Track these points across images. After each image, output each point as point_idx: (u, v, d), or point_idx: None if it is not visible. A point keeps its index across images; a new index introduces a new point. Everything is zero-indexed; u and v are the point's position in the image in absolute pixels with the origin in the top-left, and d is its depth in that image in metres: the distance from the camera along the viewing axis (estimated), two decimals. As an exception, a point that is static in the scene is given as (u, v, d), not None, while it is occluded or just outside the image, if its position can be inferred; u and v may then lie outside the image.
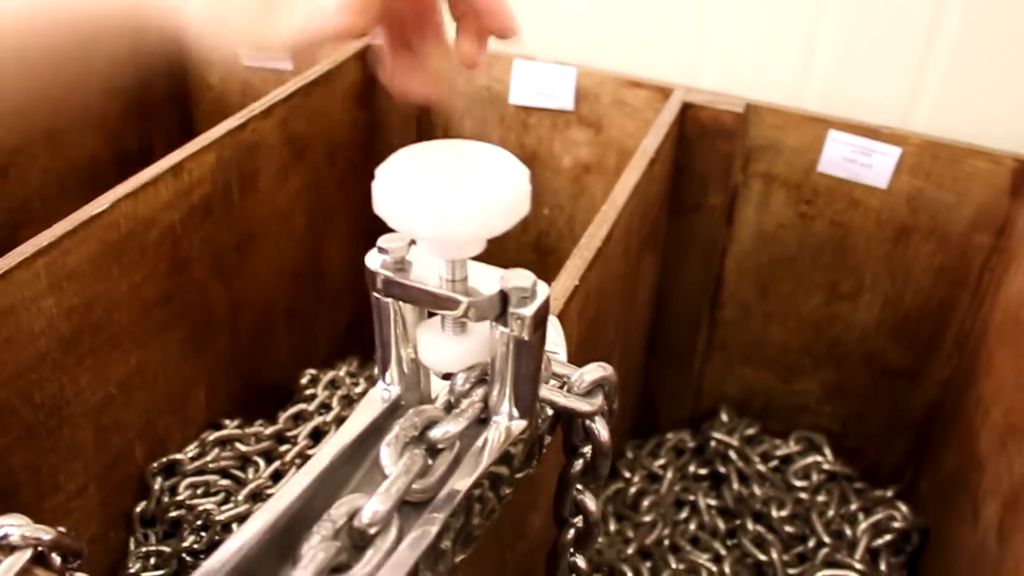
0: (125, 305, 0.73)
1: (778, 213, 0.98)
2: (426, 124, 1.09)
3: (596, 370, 0.48)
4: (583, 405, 0.48)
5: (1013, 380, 0.76)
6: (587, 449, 0.52)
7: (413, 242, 0.42)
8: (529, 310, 0.40)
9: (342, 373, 0.95)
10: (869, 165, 0.91)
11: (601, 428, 0.49)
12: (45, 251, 0.63)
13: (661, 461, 1.05)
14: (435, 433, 0.43)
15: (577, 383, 0.48)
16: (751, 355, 1.09)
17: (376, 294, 0.43)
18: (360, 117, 1.03)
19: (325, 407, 0.91)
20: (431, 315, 0.46)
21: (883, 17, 0.90)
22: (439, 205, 0.38)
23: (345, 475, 0.43)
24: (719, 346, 1.10)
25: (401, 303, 0.44)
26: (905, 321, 0.98)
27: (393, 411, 0.46)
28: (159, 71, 1.13)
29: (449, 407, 0.46)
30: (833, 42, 0.93)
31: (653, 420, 1.13)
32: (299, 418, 0.89)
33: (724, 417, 1.10)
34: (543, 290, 0.41)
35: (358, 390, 0.93)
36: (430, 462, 0.43)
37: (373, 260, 0.43)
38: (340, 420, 0.89)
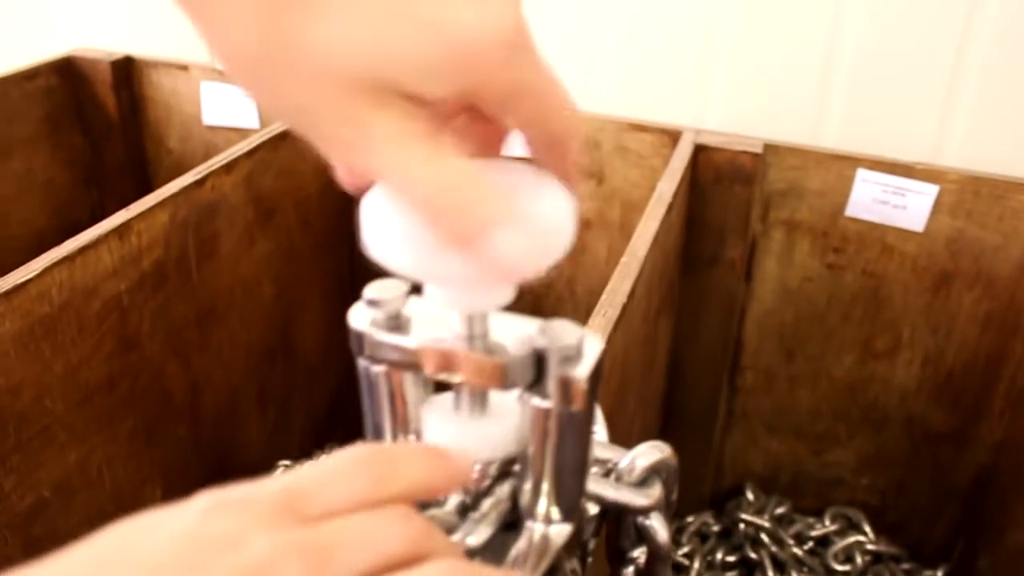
0: (60, 391, 0.61)
1: (803, 264, 0.89)
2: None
3: (651, 452, 0.38)
4: (638, 498, 0.37)
5: (1103, 441, 0.66)
6: (638, 553, 0.40)
7: (414, 290, 0.32)
8: (580, 371, 0.29)
9: (321, 462, 0.83)
10: (903, 206, 0.82)
11: (659, 526, 0.38)
12: (-45, 329, 0.52)
13: (684, 549, 0.93)
14: (450, 545, 0.32)
15: (627, 470, 0.37)
16: (777, 425, 0.98)
17: (364, 362, 0.33)
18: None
19: (302, 503, 0.78)
20: (438, 389, 0.35)
21: (904, 41, 0.82)
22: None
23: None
24: (741, 416, 0.99)
25: (398, 374, 0.33)
26: (949, 379, 0.88)
27: (390, 517, 0.35)
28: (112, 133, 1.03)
29: (465, 510, 0.35)
30: (850, 73, 0.85)
31: (670, 501, 1.01)
32: (272, 517, 0.77)
33: (750, 495, 0.98)
34: (594, 346, 0.30)
35: (340, 481, 0.80)
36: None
37: (359, 317, 0.32)
38: (320, 518, 0.77)
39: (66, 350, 0.61)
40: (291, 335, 0.91)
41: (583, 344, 0.30)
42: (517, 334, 0.31)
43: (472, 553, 0.33)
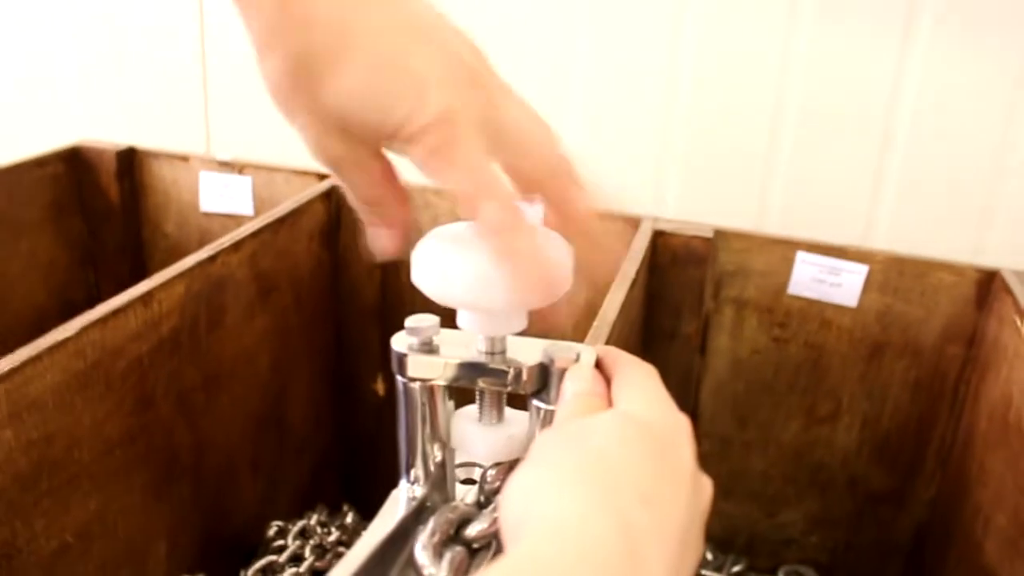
0: (87, 442, 0.67)
1: (752, 339, 0.98)
2: (391, 267, 1.08)
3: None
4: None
5: (1013, 481, 0.75)
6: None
7: (448, 323, 0.40)
8: (579, 375, 0.38)
9: (312, 522, 0.88)
10: (838, 284, 0.93)
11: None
12: (7, 377, 0.59)
13: (650, 605, 0.99)
14: (471, 531, 0.40)
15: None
16: (732, 489, 1.06)
17: (402, 379, 0.40)
18: (324, 257, 1.02)
19: (297, 559, 0.84)
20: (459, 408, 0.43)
21: (835, 139, 0.94)
22: (477, 271, 0.36)
23: (376, 580, 0.38)
24: (698, 481, 1.07)
25: (430, 391, 0.41)
26: (886, 441, 0.97)
27: (419, 513, 0.42)
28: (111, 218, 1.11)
29: (480, 505, 0.42)
30: (788, 168, 0.97)
31: (634, 564, 1.08)
32: (268, 571, 0.82)
33: (709, 556, 1.05)
34: (589, 353, 0.38)
35: (331, 539, 0.86)
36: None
37: (399, 342, 0.40)
38: (314, 571, 0.82)
39: (94, 405, 0.68)
40: (283, 407, 0.97)
41: (580, 355, 0.38)
42: (526, 351, 0.39)
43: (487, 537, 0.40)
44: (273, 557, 0.83)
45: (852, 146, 0.94)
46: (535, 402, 0.39)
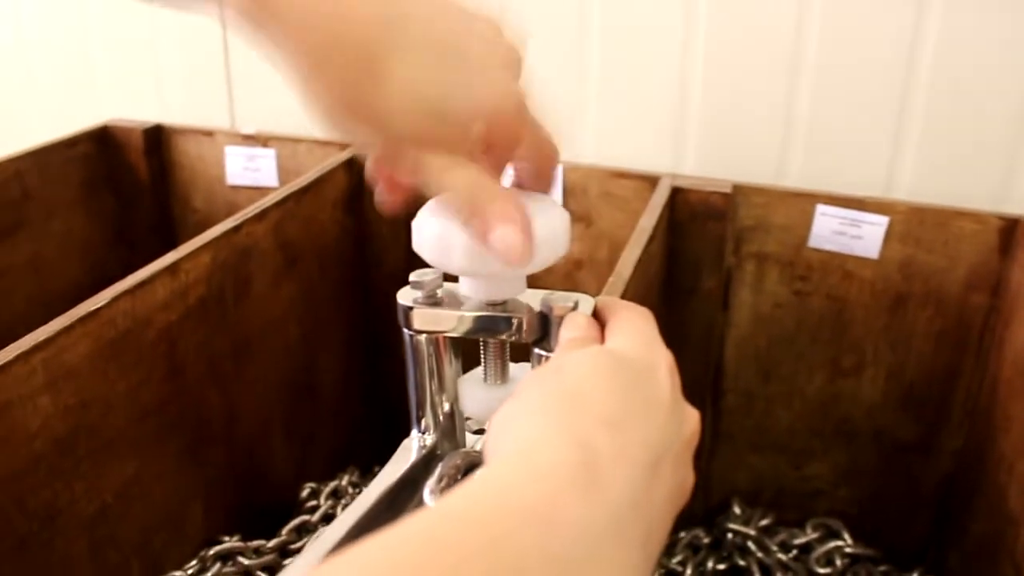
0: (122, 408, 0.70)
1: (773, 292, 0.98)
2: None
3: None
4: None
5: (1037, 428, 0.75)
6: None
7: (448, 279, 0.41)
8: (577, 322, 0.39)
9: (344, 483, 0.91)
10: (859, 236, 0.92)
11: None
12: (43, 346, 0.61)
13: (678, 558, 1.01)
14: (479, 476, 0.41)
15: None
16: (758, 443, 1.07)
17: (410, 332, 0.42)
18: (349, 224, 1.03)
19: (329, 518, 0.86)
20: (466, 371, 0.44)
21: (855, 91, 0.94)
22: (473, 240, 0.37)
23: (385, 523, 0.40)
24: (725, 437, 1.08)
25: (436, 343, 0.42)
26: (911, 392, 0.97)
27: (429, 460, 0.44)
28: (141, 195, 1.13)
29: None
30: (808, 120, 0.96)
31: (663, 520, 1.09)
32: (302, 530, 0.85)
33: (737, 510, 1.06)
34: (588, 303, 0.39)
35: (362, 498, 0.89)
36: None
37: (405, 296, 0.42)
38: (345, 529, 0.84)
39: (127, 372, 0.70)
40: (314, 374, 1.00)
41: (579, 304, 0.39)
42: (527, 301, 0.40)
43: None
44: (306, 517, 0.86)
45: (872, 96, 0.93)
46: (536, 350, 0.40)
